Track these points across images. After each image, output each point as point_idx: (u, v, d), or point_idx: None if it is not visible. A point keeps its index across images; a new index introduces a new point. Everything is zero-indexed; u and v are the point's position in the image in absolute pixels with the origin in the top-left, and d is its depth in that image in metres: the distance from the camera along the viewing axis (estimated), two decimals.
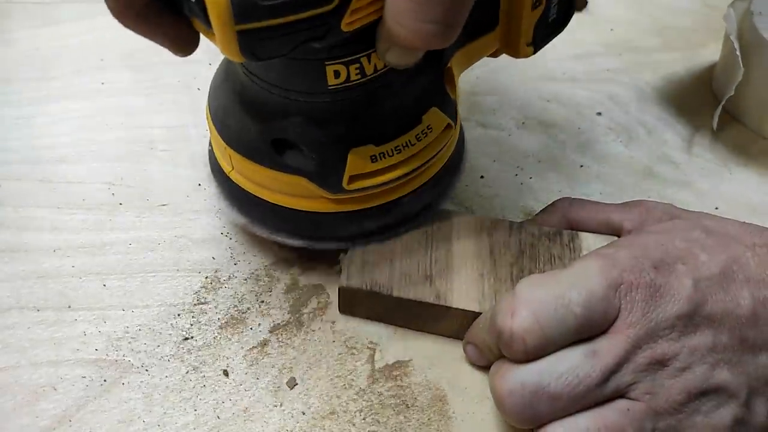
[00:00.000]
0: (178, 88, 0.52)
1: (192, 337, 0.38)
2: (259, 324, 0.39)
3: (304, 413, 0.35)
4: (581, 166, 0.48)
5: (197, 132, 0.49)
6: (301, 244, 0.38)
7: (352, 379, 0.37)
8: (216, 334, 0.38)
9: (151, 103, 0.51)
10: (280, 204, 0.37)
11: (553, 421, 0.31)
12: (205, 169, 0.47)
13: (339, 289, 0.38)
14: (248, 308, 0.39)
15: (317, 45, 0.29)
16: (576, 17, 0.62)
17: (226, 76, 0.38)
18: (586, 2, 0.63)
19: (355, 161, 0.35)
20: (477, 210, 0.45)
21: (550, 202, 0.42)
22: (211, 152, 0.41)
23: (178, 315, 0.39)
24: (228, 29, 0.27)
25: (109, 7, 0.30)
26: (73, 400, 0.35)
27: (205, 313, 0.39)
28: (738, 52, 0.47)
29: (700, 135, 0.51)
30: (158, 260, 0.41)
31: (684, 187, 0.47)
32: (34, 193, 0.45)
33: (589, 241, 0.39)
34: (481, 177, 0.47)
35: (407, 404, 0.36)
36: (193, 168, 0.47)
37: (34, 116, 0.50)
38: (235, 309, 0.39)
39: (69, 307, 0.39)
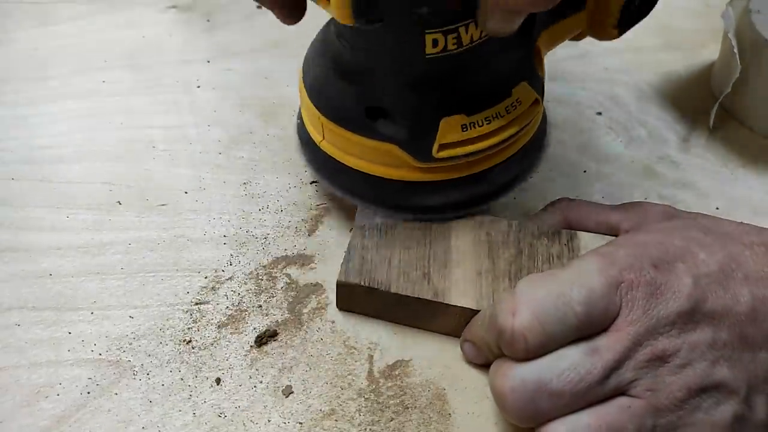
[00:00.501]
0: (178, 88, 0.52)
1: (191, 337, 0.38)
2: (259, 324, 0.39)
3: (303, 413, 0.35)
4: (581, 165, 0.48)
5: (197, 132, 0.49)
6: (389, 213, 0.39)
7: (352, 379, 0.37)
8: (215, 334, 0.38)
9: (150, 103, 0.51)
10: (369, 172, 0.38)
11: (554, 418, 0.31)
12: (204, 168, 0.47)
13: (337, 284, 0.38)
14: (247, 308, 0.39)
15: (423, 10, 0.30)
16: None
17: (323, 47, 0.39)
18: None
19: (446, 130, 0.36)
20: (476, 209, 0.45)
21: (549, 202, 0.42)
22: (300, 124, 0.42)
23: (178, 315, 0.39)
24: None
25: None
26: (72, 400, 0.35)
27: (205, 313, 0.39)
28: (735, 50, 0.47)
29: (701, 135, 0.51)
30: (158, 260, 0.41)
31: (684, 187, 0.47)
32: (33, 192, 0.45)
33: (588, 241, 0.39)
34: None
35: (407, 404, 0.36)
36: (193, 168, 0.47)
37: (33, 116, 0.50)
38: (235, 309, 0.39)
39: (68, 307, 0.39)
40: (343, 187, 0.40)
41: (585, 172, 0.48)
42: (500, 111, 0.36)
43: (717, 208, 0.45)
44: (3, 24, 0.57)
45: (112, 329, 0.38)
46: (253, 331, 0.38)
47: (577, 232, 0.39)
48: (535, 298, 0.31)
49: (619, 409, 0.30)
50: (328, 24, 0.39)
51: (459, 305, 0.37)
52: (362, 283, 0.37)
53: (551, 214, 0.41)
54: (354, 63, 0.36)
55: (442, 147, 0.36)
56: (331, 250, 0.42)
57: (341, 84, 0.37)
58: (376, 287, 0.37)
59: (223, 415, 0.35)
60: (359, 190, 0.39)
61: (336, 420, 0.35)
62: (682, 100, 0.53)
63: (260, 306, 0.39)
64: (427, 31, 0.33)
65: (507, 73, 0.37)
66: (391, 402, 0.36)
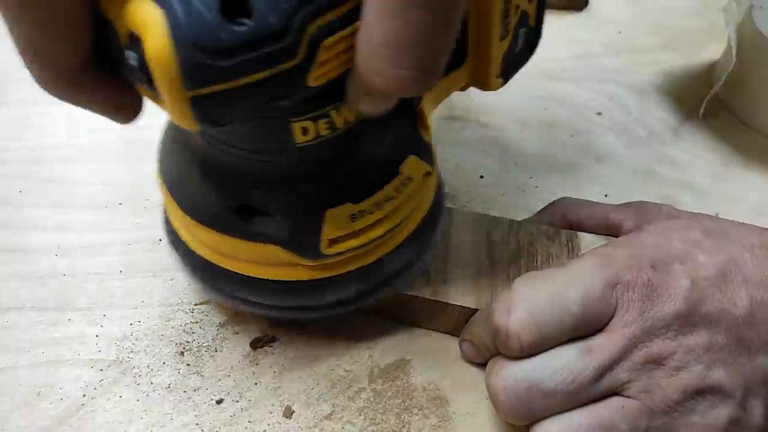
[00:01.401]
0: None
1: (192, 338, 0.38)
2: (259, 324, 0.39)
3: (304, 413, 0.35)
4: (581, 166, 0.48)
5: None
6: (277, 315, 0.36)
7: (353, 378, 0.37)
8: (216, 334, 0.38)
9: (151, 102, 0.51)
10: (251, 275, 0.34)
11: (547, 417, 0.31)
12: None
13: None
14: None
15: (283, 104, 0.26)
16: (576, 17, 0.62)
17: (180, 134, 0.33)
18: (587, 2, 0.63)
19: (333, 223, 0.31)
20: (476, 209, 0.45)
21: (549, 202, 0.42)
22: (166, 220, 0.37)
23: (178, 315, 0.39)
24: (179, 96, 0.23)
25: (34, 76, 0.26)
26: (72, 400, 0.35)
27: (205, 313, 0.39)
28: (734, 44, 0.47)
29: (701, 135, 0.51)
30: (158, 260, 0.41)
31: (685, 188, 0.47)
32: (33, 192, 0.45)
33: (588, 241, 0.39)
34: (481, 177, 0.47)
35: (407, 404, 0.36)
36: None
37: (33, 116, 0.50)
38: (235, 308, 0.39)
39: (68, 307, 0.39)
40: (222, 291, 0.35)
41: (585, 172, 0.48)
42: (390, 193, 0.32)
43: (717, 209, 0.45)
44: (2, 23, 0.57)
45: (112, 329, 0.38)
46: (254, 332, 0.38)
47: (578, 232, 0.39)
48: (531, 297, 0.31)
49: (613, 409, 0.30)
50: None
51: (458, 304, 0.37)
52: None
53: (551, 214, 0.41)
54: (217, 157, 0.31)
55: (333, 242, 0.32)
56: None
57: (205, 181, 0.32)
58: None
59: (223, 416, 0.35)
60: (240, 293, 0.35)
61: (336, 420, 0.35)
62: (682, 100, 0.53)
63: None
64: (292, 120, 0.28)
65: (391, 149, 0.33)
66: (391, 402, 0.36)
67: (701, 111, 0.49)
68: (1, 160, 0.47)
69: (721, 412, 0.30)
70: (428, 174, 0.34)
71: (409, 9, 0.22)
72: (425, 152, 0.34)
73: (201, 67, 0.23)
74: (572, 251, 0.38)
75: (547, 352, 0.31)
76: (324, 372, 0.37)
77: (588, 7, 0.62)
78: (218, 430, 0.35)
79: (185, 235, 0.35)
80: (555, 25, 0.61)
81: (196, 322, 0.39)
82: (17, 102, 0.51)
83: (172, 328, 0.38)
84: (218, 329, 0.38)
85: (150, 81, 0.23)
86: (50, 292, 0.40)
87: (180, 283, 0.40)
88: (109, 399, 0.35)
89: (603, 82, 0.55)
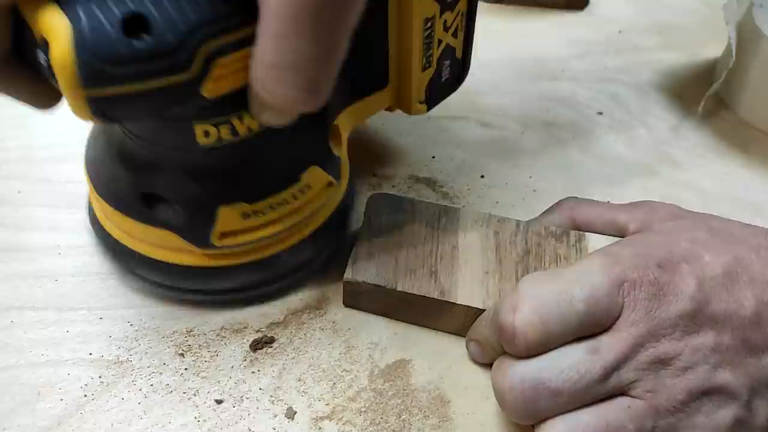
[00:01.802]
0: None
1: (192, 338, 0.38)
2: (259, 323, 0.38)
3: (304, 413, 0.35)
4: (582, 165, 0.48)
5: None
6: (174, 296, 0.38)
7: (352, 379, 0.37)
8: (216, 334, 0.38)
9: None
10: (153, 257, 0.37)
11: (553, 416, 0.31)
12: None
13: (344, 282, 0.38)
14: (248, 307, 0.39)
15: (177, 109, 0.28)
16: (577, 16, 0.62)
17: (101, 126, 0.37)
18: (587, 1, 0.63)
19: (226, 218, 0.34)
20: (478, 209, 0.45)
21: (550, 202, 0.42)
22: (89, 201, 0.40)
23: (178, 315, 0.39)
24: (77, 94, 0.26)
25: None
26: (72, 400, 0.35)
27: (205, 313, 0.39)
28: (733, 42, 0.47)
29: (702, 134, 0.51)
30: None
31: (686, 187, 0.47)
32: (33, 192, 0.45)
33: (596, 242, 0.38)
34: (482, 177, 0.47)
35: (408, 404, 0.36)
36: None
37: (33, 115, 0.49)
38: (235, 308, 0.39)
39: (68, 306, 0.39)
40: (132, 271, 0.39)
41: (585, 172, 0.48)
42: (286, 197, 0.35)
43: (719, 208, 0.45)
44: None
45: (113, 328, 0.38)
46: (254, 331, 0.38)
47: (585, 233, 0.39)
48: (537, 296, 0.31)
49: (619, 408, 0.30)
50: None
51: (465, 304, 0.36)
52: (369, 281, 0.37)
53: (558, 214, 0.41)
54: (129, 147, 0.34)
55: (224, 235, 0.35)
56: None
57: (118, 168, 0.35)
58: (382, 285, 0.37)
59: (223, 415, 0.35)
60: (147, 274, 0.38)
61: (336, 420, 0.35)
62: (683, 100, 0.53)
63: (261, 306, 0.39)
64: (195, 122, 0.31)
65: (293, 158, 0.35)
66: (392, 402, 0.36)
67: (700, 108, 0.49)
68: (1, 160, 0.46)
69: (727, 413, 0.30)
70: (330, 184, 0.37)
71: (296, 37, 0.25)
72: (331, 165, 0.37)
73: (98, 73, 0.25)
74: (580, 252, 0.38)
75: (553, 351, 0.31)
76: (324, 372, 0.37)
77: (589, 6, 0.62)
78: (218, 430, 0.34)
79: (100, 215, 0.38)
80: (555, 25, 0.61)
81: (197, 323, 0.39)
82: (16, 102, 0.51)
83: (173, 328, 0.38)
84: (218, 330, 0.38)
85: (55, 79, 0.26)
86: (50, 292, 0.39)
87: None
88: (109, 399, 0.35)
89: (604, 82, 0.55)
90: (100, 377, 0.36)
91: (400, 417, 0.35)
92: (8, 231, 0.42)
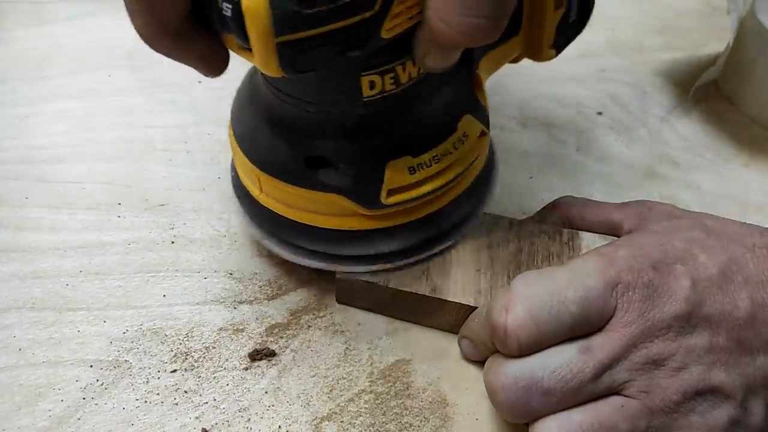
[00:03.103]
0: (177, 88, 0.52)
1: (191, 338, 0.38)
2: (259, 324, 0.38)
3: (303, 414, 0.35)
4: (582, 165, 0.48)
5: (196, 131, 0.49)
6: (332, 266, 0.37)
7: (352, 379, 0.36)
8: (215, 334, 0.38)
9: (150, 102, 0.51)
10: (314, 225, 0.36)
11: (546, 415, 0.31)
12: (204, 168, 0.47)
13: (336, 279, 0.38)
14: (247, 308, 0.39)
15: (356, 54, 0.28)
16: None
17: (251, 92, 0.36)
18: None
19: (393, 174, 0.34)
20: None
21: (550, 202, 0.42)
22: (235, 177, 0.40)
23: (178, 315, 0.39)
24: (268, 42, 0.26)
25: (140, 32, 0.28)
26: (72, 400, 0.35)
27: (205, 314, 0.39)
28: (732, 32, 0.47)
29: (702, 134, 0.51)
30: (157, 260, 0.41)
31: (686, 187, 0.47)
32: (32, 192, 0.45)
33: (589, 240, 0.39)
34: None
35: (407, 404, 0.36)
36: (192, 167, 0.47)
37: (32, 116, 0.50)
38: (235, 309, 0.39)
39: (68, 307, 0.39)
40: (288, 242, 0.38)
41: (585, 172, 0.48)
42: (448, 148, 0.35)
43: (718, 208, 0.45)
44: (0, 23, 0.57)
45: (112, 329, 0.38)
46: (253, 331, 0.38)
47: (579, 231, 0.39)
48: (530, 296, 0.31)
49: (612, 407, 0.30)
50: (254, 69, 0.36)
51: (457, 302, 0.36)
52: (361, 278, 0.37)
53: (552, 213, 0.41)
54: (287, 112, 0.34)
55: (391, 192, 0.34)
56: None
57: (275, 134, 0.35)
58: (374, 282, 0.37)
59: (223, 416, 0.35)
60: (305, 244, 0.37)
61: (336, 421, 0.35)
62: (683, 100, 0.53)
63: (260, 306, 0.39)
64: (362, 73, 0.31)
65: (450, 107, 0.35)
66: (392, 402, 0.36)
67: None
68: (0, 160, 0.46)
69: (722, 413, 0.30)
70: (483, 133, 0.37)
71: None
72: (481, 113, 0.37)
73: (292, 16, 0.26)
74: (572, 250, 0.38)
75: (545, 350, 0.31)
76: (324, 373, 0.37)
77: None
78: (218, 429, 0.34)
79: (253, 189, 0.37)
80: None
81: (196, 323, 0.39)
82: (16, 102, 0.51)
83: (172, 328, 0.38)
84: (217, 329, 0.38)
85: (241, 30, 0.26)
86: (50, 293, 0.39)
87: (180, 284, 0.40)
88: (108, 400, 0.35)
89: (604, 82, 0.55)
90: (100, 377, 0.36)
91: (399, 417, 0.35)
92: (8, 231, 0.42)
